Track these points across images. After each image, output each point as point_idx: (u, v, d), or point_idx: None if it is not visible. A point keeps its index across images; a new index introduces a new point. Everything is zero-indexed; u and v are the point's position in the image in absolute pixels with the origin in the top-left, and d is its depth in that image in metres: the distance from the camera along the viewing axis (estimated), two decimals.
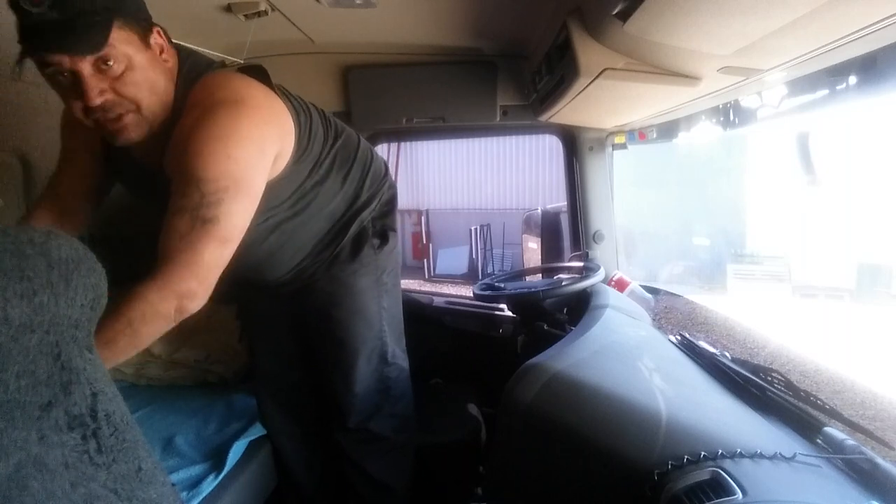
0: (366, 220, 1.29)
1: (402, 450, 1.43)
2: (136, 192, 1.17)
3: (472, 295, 1.88)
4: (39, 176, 1.47)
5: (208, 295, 0.94)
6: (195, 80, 0.97)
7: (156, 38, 0.92)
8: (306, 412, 1.46)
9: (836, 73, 0.92)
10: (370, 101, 1.87)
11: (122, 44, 0.85)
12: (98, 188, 1.14)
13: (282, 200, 1.11)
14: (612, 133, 1.82)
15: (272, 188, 1.03)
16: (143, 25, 0.89)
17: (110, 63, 0.84)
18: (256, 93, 0.98)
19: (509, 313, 1.97)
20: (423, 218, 10.73)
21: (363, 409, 1.34)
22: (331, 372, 1.33)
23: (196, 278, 0.91)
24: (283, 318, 1.39)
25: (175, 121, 0.94)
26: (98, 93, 0.84)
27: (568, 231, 2.01)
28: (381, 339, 1.35)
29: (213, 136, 0.90)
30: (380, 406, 1.36)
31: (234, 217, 0.93)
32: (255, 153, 0.95)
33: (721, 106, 1.33)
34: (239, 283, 1.11)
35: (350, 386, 1.31)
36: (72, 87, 0.84)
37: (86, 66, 0.82)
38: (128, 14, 0.86)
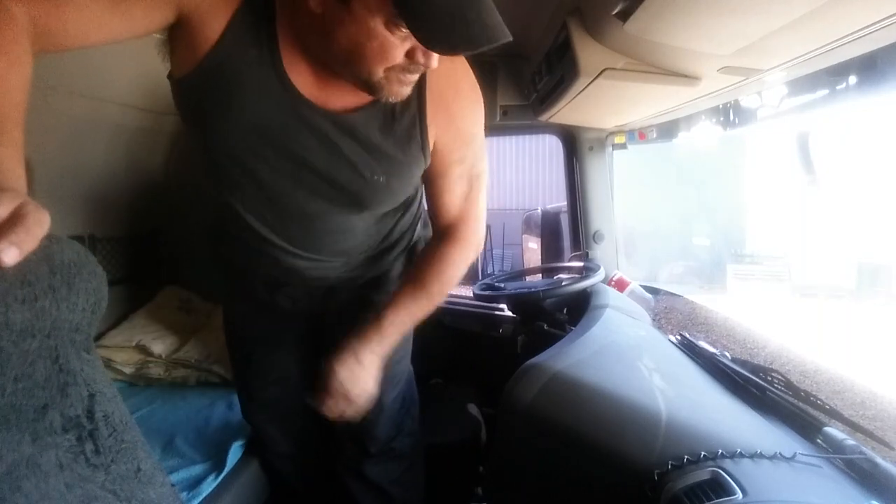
0: (420, 233, 1.20)
1: (417, 469, 1.37)
2: (255, 142, 0.83)
3: (472, 295, 1.88)
4: (39, 176, 1.47)
5: None
6: None
7: None
8: (310, 438, 1.35)
9: (836, 73, 0.92)
10: None
11: None
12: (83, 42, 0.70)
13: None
14: (612, 133, 1.82)
15: None
16: None
17: None
18: None
19: (509, 313, 1.97)
20: None
21: (389, 429, 1.26)
22: None
23: (481, 228, 0.99)
24: (290, 336, 1.23)
25: None
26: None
27: (568, 231, 2.01)
28: (407, 360, 1.27)
29: (471, 93, 0.90)
30: (401, 425, 1.29)
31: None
32: None
33: (721, 106, 1.33)
34: (289, 269, 1.01)
35: (378, 409, 1.17)
36: (404, 42, 0.70)
37: None
38: None
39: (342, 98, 0.82)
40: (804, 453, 0.75)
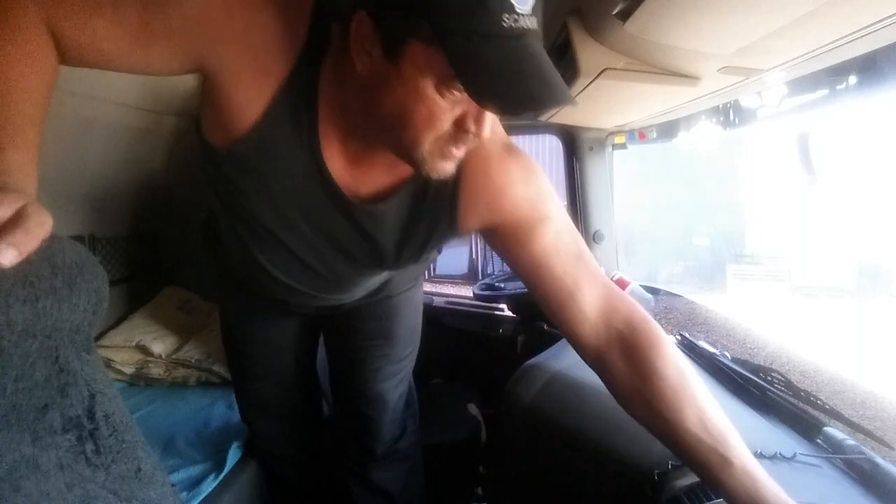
0: None
1: (419, 471, 1.38)
2: (272, 206, 0.82)
3: (472, 295, 1.88)
4: (40, 176, 1.47)
5: None
6: None
7: None
8: (309, 439, 1.38)
9: (836, 73, 0.92)
10: None
11: None
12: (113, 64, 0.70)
13: None
14: (612, 133, 1.82)
15: None
16: None
17: None
18: None
19: (509, 313, 1.97)
20: None
21: (394, 429, 1.27)
22: (360, 395, 1.23)
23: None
24: (288, 338, 1.24)
25: None
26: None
27: None
28: (413, 357, 1.28)
29: (520, 161, 0.84)
30: (404, 425, 1.30)
31: None
32: None
33: (721, 106, 1.33)
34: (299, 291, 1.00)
35: (385, 406, 1.23)
36: (454, 107, 0.65)
37: None
38: None
39: (373, 179, 0.81)
40: (804, 453, 0.75)
